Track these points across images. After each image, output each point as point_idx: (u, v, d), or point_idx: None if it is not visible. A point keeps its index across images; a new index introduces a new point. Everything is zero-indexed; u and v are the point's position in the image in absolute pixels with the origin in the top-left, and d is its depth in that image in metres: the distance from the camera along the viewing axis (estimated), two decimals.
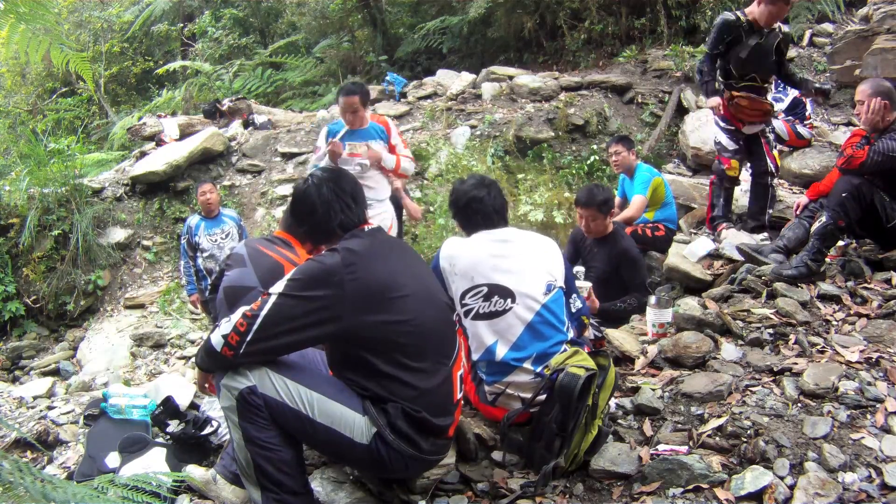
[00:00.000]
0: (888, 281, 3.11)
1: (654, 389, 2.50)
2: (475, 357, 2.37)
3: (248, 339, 1.74)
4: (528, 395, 2.30)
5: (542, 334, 2.30)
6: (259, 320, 1.74)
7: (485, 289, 2.28)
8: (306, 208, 2.04)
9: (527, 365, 2.29)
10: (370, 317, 1.79)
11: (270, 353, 1.79)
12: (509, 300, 2.27)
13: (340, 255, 1.83)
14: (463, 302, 2.33)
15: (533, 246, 2.42)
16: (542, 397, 2.19)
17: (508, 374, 2.31)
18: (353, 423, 1.80)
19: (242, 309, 1.78)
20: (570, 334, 2.41)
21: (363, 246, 1.89)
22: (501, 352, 2.29)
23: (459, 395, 2.04)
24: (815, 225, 3.31)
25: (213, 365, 1.87)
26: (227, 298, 2.50)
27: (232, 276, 2.54)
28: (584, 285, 3.23)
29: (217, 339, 1.77)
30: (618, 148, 4.91)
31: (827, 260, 3.38)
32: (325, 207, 1.99)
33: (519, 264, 2.33)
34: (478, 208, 2.41)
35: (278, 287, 1.79)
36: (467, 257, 2.34)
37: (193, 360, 2.06)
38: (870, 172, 3.16)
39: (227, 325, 1.77)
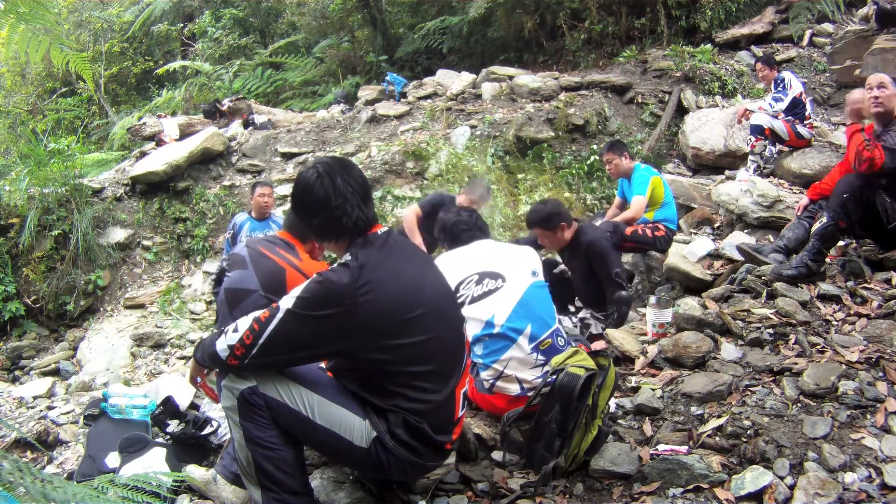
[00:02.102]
0: (888, 281, 3.11)
1: (654, 389, 2.50)
2: (474, 337, 2.42)
3: (254, 353, 1.73)
4: (526, 377, 2.35)
5: (533, 309, 2.47)
6: (265, 336, 1.71)
7: (475, 276, 2.51)
8: (318, 200, 1.84)
9: (522, 339, 2.39)
10: (380, 341, 1.75)
11: (275, 366, 1.79)
12: (500, 280, 2.50)
13: (352, 272, 1.72)
14: (458, 294, 2.46)
15: (514, 247, 2.79)
16: (544, 391, 2.19)
17: (506, 349, 2.38)
18: (353, 426, 1.79)
19: (250, 318, 1.75)
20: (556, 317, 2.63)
21: (377, 258, 1.79)
22: (500, 321, 2.41)
23: (461, 413, 2.00)
24: (816, 226, 3.31)
25: (215, 367, 1.89)
26: (228, 300, 2.51)
27: (233, 278, 2.53)
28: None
29: (223, 348, 1.76)
30: (609, 156, 4.85)
31: (827, 260, 3.38)
32: (341, 201, 1.82)
33: (504, 255, 2.63)
34: (463, 227, 2.82)
35: (287, 302, 1.73)
36: (456, 259, 2.65)
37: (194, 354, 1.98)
38: (893, 170, 3.09)
39: (233, 336, 1.75)
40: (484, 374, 2.43)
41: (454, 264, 2.59)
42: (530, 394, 2.27)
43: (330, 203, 1.83)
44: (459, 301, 2.43)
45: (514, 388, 2.38)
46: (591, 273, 3.73)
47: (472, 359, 2.44)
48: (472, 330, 2.41)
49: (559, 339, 2.52)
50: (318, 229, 1.90)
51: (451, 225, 2.87)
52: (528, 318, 2.43)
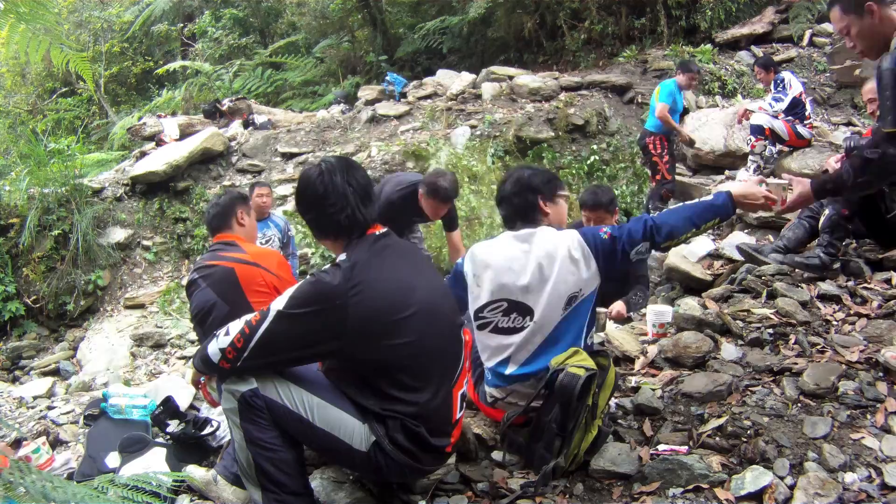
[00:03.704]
0: (888, 281, 3.11)
1: (654, 389, 2.50)
2: (486, 365, 2.35)
3: (245, 355, 1.73)
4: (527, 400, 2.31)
5: (554, 350, 2.24)
6: (256, 338, 1.72)
7: (505, 304, 2.24)
8: (315, 196, 1.86)
9: (532, 382, 2.27)
10: (372, 340, 1.75)
11: (267, 368, 1.79)
12: (528, 318, 2.21)
13: (343, 272, 1.74)
14: (481, 315, 2.28)
15: (555, 250, 2.19)
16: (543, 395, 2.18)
17: (512, 384, 2.31)
18: (353, 430, 1.79)
19: (241, 321, 1.76)
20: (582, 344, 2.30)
21: (369, 257, 1.80)
22: (513, 367, 2.27)
23: (459, 415, 1.99)
24: (822, 220, 3.34)
25: (209, 373, 1.90)
26: (199, 322, 2.62)
27: (193, 303, 2.66)
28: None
29: (214, 352, 1.77)
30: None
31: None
32: (338, 199, 1.84)
33: (541, 277, 2.18)
34: (502, 209, 2.40)
35: (279, 304, 1.74)
36: (496, 267, 2.25)
37: (191, 360, 2.01)
38: None
39: (224, 339, 1.76)
40: (488, 389, 2.40)
41: (487, 275, 2.25)
42: (532, 414, 2.24)
43: (326, 200, 1.85)
44: (481, 322, 2.28)
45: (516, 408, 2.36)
46: (616, 274, 3.77)
47: (485, 369, 2.42)
48: (486, 356, 2.34)
49: None
50: (314, 225, 1.92)
51: (498, 198, 2.43)
52: (545, 362, 2.19)
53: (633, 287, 3.74)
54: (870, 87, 3.32)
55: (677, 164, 7.48)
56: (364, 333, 1.73)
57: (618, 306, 3.51)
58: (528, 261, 2.21)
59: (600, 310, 3.43)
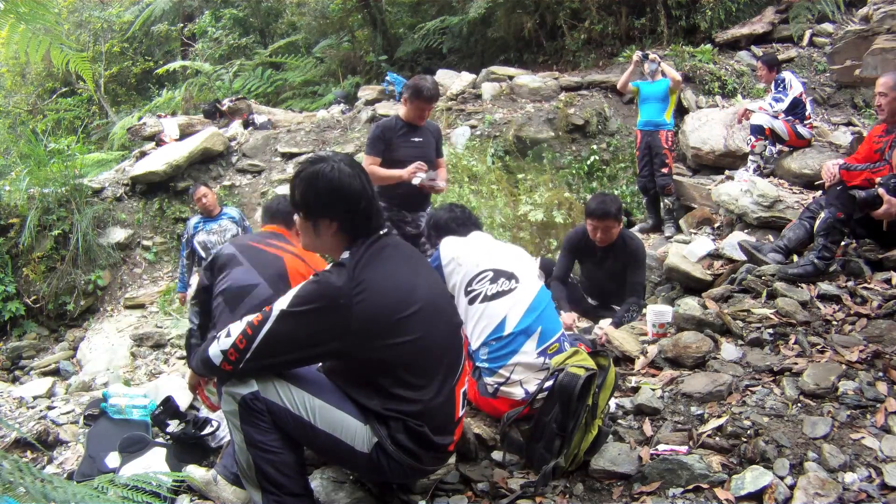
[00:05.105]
0: (888, 281, 3.11)
1: (654, 389, 2.50)
2: (482, 340, 2.40)
3: (248, 356, 1.71)
4: (531, 382, 2.34)
5: (543, 312, 2.47)
6: (259, 338, 1.70)
7: (490, 273, 2.47)
8: (346, 197, 1.79)
9: (530, 343, 2.37)
10: (376, 339, 1.74)
11: (270, 369, 1.77)
12: (514, 281, 2.46)
13: (348, 271, 1.73)
14: (470, 288, 2.44)
15: (515, 247, 2.78)
16: (543, 395, 2.19)
17: (513, 355, 2.35)
18: (355, 431, 1.79)
19: (243, 323, 1.74)
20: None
21: (371, 256, 1.79)
22: (511, 324, 2.38)
23: (461, 413, 1.99)
24: (817, 223, 3.33)
25: (209, 375, 1.88)
26: (228, 301, 2.30)
27: (232, 277, 2.34)
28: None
29: (215, 353, 1.75)
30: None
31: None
32: (367, 202, 1.82)
33: (512, 254, 2.62)
34: (459, 223, 2.83)
35: (282, 303, 1.72)
36: (471, 249, 2.59)
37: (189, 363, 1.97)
38: None
39: (226, 341, 1.74)
40: (488, 379, 2.41)
41: (470, 253, 2.54)
42: (535, 404, 2.25)
43: (360, 200, 1.82)
44: (472, 296, 2.43)
45: (519, 393, 2.37)
46: (620, 276, 3.81)
47: (477, 363, 2.44)
48: (481, 330, 2.40)
49: (566, 343, 2.50)
50: (342, 224, 1.84)
51: (444, 221, 2.85)
52: (539, 322, 2.41)
53: (628, 297, 3.70)
54: (883, 82, 3.39)
55: (677, 164, 7.49)
56: (368, 332, 1.73)
57: (606, 330, 3.41)
58: (493, 241, 2.73)
59: (595, 331, 3.49)
